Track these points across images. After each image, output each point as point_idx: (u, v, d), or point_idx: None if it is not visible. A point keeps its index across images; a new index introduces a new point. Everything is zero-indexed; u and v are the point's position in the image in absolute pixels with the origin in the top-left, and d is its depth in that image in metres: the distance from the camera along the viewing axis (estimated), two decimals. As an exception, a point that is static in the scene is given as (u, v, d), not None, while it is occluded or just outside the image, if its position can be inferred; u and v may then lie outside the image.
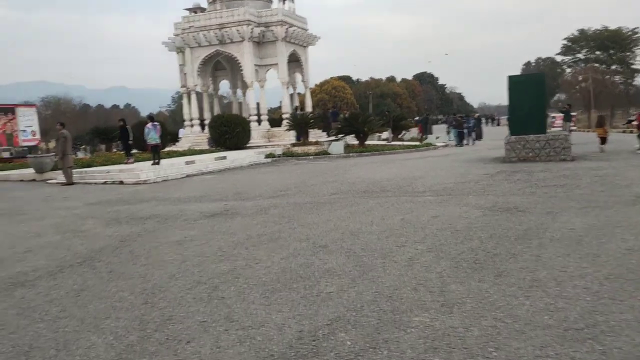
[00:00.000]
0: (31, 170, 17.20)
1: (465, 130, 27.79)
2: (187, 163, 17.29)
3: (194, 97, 29.67)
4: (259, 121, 28.56)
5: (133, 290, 4.85)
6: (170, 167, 16.47)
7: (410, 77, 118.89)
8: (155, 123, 16.60)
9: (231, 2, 28.74)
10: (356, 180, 12.80)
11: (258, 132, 27.47)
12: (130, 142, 19.11)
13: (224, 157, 19.35)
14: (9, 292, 4.95)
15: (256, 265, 5.49)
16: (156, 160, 16.09)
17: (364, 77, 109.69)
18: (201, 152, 22.97)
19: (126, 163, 17.97)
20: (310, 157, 21.91)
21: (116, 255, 6.23)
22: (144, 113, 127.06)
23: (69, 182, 14.96)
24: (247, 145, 25.16)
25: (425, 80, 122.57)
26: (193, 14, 29.22)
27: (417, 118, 43.76)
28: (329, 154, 22.42)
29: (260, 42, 28.30)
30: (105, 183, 14.83)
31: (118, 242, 6.95)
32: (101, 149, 32.50)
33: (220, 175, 16.33)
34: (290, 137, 28.29)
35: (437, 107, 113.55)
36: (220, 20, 27.61)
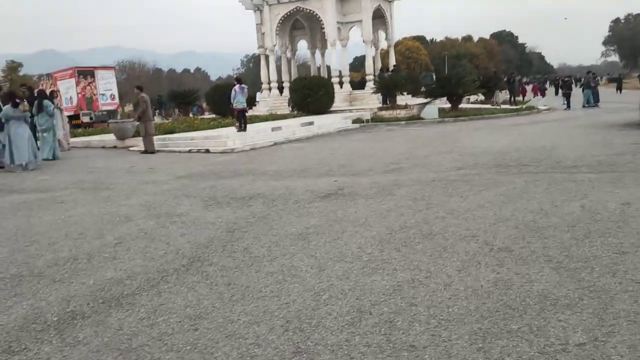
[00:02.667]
0: (112, 136, 16.34)
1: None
2: (274, 129, 15.87)
3: (272, 58, 28.20)
4: (341, 84, 26.72)
5: (270, 321, 3.37)
6: (257, 134, 15.12)
7: (487, 36, 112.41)
8: (243, 85, 15.18)
9: (312, -45, 26.70)
10: (475, 151, 10.93)
11: (340, 95, 25.67)
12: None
13: (311, 123, 17.82)
14: (102, 317, 3.59)
15: (428, 281, 3.89)
16: (243, 127, 14.74)
17: (439, 37, 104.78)
18: (283, 117, 21.54)
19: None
20: (402, 122, 20.02)
21: (229, 255, 4.80)
22: (213, 77, 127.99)
23: (151, 150, 13.89)
24: (330, 109, 23.49)
25: (504, 39, 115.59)
26: (271, -32, 27.46)
27: (522, 78, 40.02)
28: (422, 118, 20.44)
29: (343, -2, 26.23)
30: (190, 152, 13.66)
31: (225, 234, 5.53)
32: (175, 113, 31.81)
33: (311, 143, 14.81)
34: (374, 100, 26.41)
35: (515, 68, 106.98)
36: (301, -26, 25.73)
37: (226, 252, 4.90)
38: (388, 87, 22.48)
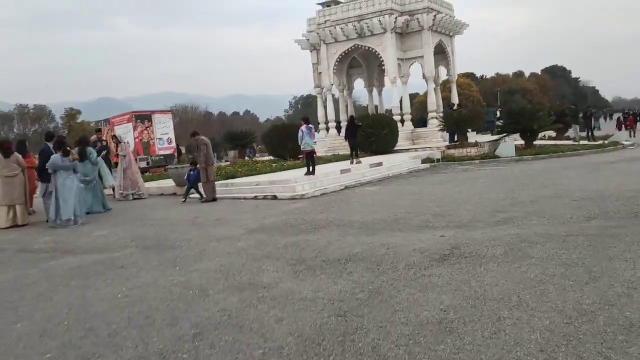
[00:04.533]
0: (170, 183, 15.43)
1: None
2: (343, 172, 14.59)
3: (329, 97, 27.29)
4: (402, 122, 25.45)
5: None
6: (325, 177, 13.85)
7: (538, 72, 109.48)
8: (311, 126, 14.03)
9: (370, -8, 25.95)
10: (588, 195, 9.31)
11: (402, 134, 24.35)
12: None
13: (380, 164, 16.47)
14: None
15: None
16: (311, 170, 13.51)
17: (489, 74, 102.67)
18: (346, 157, 20.27)
19: (352, 163, 16.66)
20: (476, 161, 18.42)
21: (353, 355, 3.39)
22: (262, 119, 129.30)
23: (212, 198, 12.77)
24: (394, 149, 22.12)
25: (557, 74, 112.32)
26: (327, 7, 26.87)
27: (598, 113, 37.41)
28: (497, 157, 18.77)
29: (403, 34, 25.28)
30: (255, 198, 12.48)
31: (336, 320, 4.14)
32: (228, 155, 31.04)
33: (386, 186, 13.42)
34: (438, 138, 25.02)
35: (571, 103, 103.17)
36: (359, 12, 24.99)
37: (349, 355, 3.49)
38: (457, 124, 20.95)
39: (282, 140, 22.72)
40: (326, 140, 26.90)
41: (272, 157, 24.29)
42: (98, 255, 7.31)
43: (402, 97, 25.84)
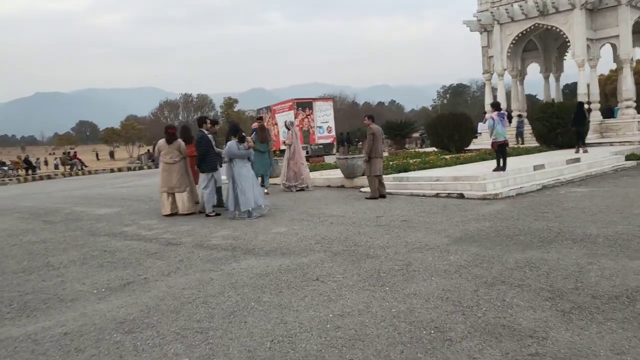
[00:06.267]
0: (337, 173, 14.40)
1: None
2: (536, 168, 12.44)
3: (500, 83, 24.73)
4: (589, 110, 22.10)
5: None
6: (517, 173, 11.85)
7: None
8: (503, 112, 12.05)
9: (554, -37, 22.82)
10: None
11: (590, 125, 21.09)
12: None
13: (578, 160, 13.98)
14: None
15: None
16: (501, 165, 11.58)
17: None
18: (526, 151, 17.88)
19: (577, 152, 16.07)
20: (702, 162, 15.06)
21: None
22: (407, 109, 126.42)
23: (377, 194, 11.21)
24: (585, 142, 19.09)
25: None
26: (501, -16, 24.17)
27: None
28: None
29: (594, 9, 21.90)
30: (437, 196, 10.92)
31: None
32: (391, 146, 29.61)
33: (596, 187, 11.07)
34: (634, 131, 21.43)
35: None
36: (542, -14, 22.00)
37: None
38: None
39: (448, 131, 20.84)
40: (495, 130, 24.38)
41: (435, 149, 22.49)
42: (283, 259, 6.26)
43: (588, 84, 22.47)
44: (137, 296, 5.16)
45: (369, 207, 10.00)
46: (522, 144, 21.98)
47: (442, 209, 9.40)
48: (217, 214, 10.06)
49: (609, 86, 52.55)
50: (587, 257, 5.54)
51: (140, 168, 40.67)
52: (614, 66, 29.98)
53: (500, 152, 11.57)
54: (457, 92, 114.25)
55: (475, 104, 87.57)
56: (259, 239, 7.66)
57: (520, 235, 6.84)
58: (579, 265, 5.25)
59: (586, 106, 21.46)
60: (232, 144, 9.72)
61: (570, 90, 47.17)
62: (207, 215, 10.07)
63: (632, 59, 22.73)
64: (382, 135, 12.18)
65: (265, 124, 21.89)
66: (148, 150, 49.52)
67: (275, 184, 14.57)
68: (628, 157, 15.70)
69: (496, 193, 10.34)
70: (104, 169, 40.69)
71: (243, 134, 9.98)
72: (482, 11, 24.39)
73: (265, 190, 12.37)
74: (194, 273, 5.94)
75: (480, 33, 25.45)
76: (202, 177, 10.31)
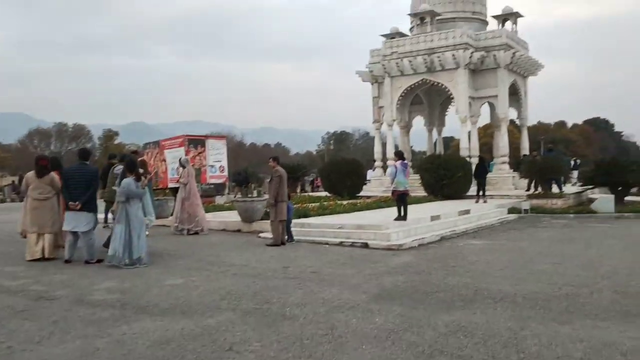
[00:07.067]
0: (233, 216, 13.52)
1: None
2: (433, 218, 12.57)
3: (389, 134, 25.46)
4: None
5: None
6: (417, 223, 11.85)
7: (579, 123, 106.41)
8: (406, 162, 12.07)
9: (441, 25, 24.35)
10: None
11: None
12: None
13: (467, 211, 14.42)
14: None
15: None
16: (402, 214, 11.50)
17: (530, 122, 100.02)
18: (417, 200, 18.26)
19: (477, 202, 17.79)
20: (569, 214, 16.26)
21: None
22: (292, 152, 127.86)
23: (279, 241, 10.64)
24: (467, 194, 20.01)
25: (599, 126, 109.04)
26: (392, 39, 25.28)
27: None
28: (593, 211, 16.55)
29: (476, 70, 23.47)
30: (341, 244, 10.49)
31: None
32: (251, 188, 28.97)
33: (491, 239, 11.34)
34: (509, 185, 22.96)
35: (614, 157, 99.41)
36: (430, 45, 23.27)
37: None
38: (541, 172, 18.82)
39: (341, 176, 20.89)
40: (382, 179, 24.90)
41: (327, 193, 22.37)
42: (185, 321, 5.36)
43: (469, 138, 23.86)
44: (-2, 374, 4.02)
45: (272, 256, 9.30)
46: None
47: (349, 259, 8.97)
48: (99, 260, 8.79)
49: (481, 140, 56.77)
50: (515, 320, 5.30)
51: (2, 201, 36.35)
52: (486, 122, 32.40)
53: (400, 201, 11.51)
54: (340, 139, 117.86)
55: (357, 152, 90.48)
56: (152, 292, 6.64)
57: (438, 292, 6.54)
58: (512, 330, 4.97)
59: (468, 159, 22.67)
60: (131, 181, 8.60)
61: (446, 143, 50.35)
62: (87, 262, 8.75)
63: (507, 118, 24.61)
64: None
65: (151, 160, 20.46)
66: (13, 182, 44.61)
67: (163, 225, 13.38)
68: (510, 211, 16.57)
69: (400, 243, 10.16)
70: (-45, 200, 35.86)
71: (141, 170, 8.93)
72: (374, 63, 25.21)
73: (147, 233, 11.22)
74: (73, 340, 4.84)
75: (372, 84, 26.24)
76: (86, 217, 8.99)
